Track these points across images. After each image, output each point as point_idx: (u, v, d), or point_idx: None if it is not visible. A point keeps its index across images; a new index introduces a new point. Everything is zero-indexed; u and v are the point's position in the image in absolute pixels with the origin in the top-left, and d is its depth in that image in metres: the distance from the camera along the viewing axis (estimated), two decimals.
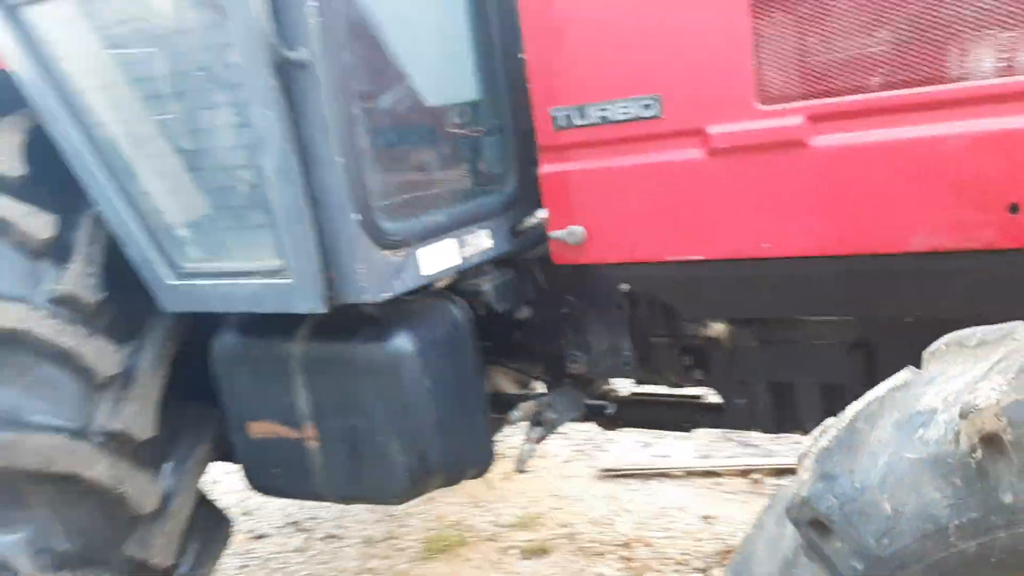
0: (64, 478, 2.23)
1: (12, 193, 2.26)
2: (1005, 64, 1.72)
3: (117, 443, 2.30)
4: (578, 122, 2.14)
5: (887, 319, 2.07)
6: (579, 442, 4.82)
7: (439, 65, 2.33)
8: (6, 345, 2.20)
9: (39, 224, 2.27)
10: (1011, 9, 1.68)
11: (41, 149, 2.30)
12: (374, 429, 2.22)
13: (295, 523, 4.29)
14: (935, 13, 1.74)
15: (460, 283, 2.38)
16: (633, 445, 4.69)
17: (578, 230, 2.21)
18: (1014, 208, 1.73)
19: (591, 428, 4.66)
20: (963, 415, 1.20)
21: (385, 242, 2.03)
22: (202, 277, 2.23)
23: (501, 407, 2.62)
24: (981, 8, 1.71)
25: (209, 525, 2.72)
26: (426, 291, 2.30)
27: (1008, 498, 1.18)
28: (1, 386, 2.20)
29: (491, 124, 2.37)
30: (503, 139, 2.36)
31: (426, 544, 3.90)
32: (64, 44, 2.24)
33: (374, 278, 2.01)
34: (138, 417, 2.34)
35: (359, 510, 4.24)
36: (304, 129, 1.94)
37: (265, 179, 1.99)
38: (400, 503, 2.36)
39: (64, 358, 2.23)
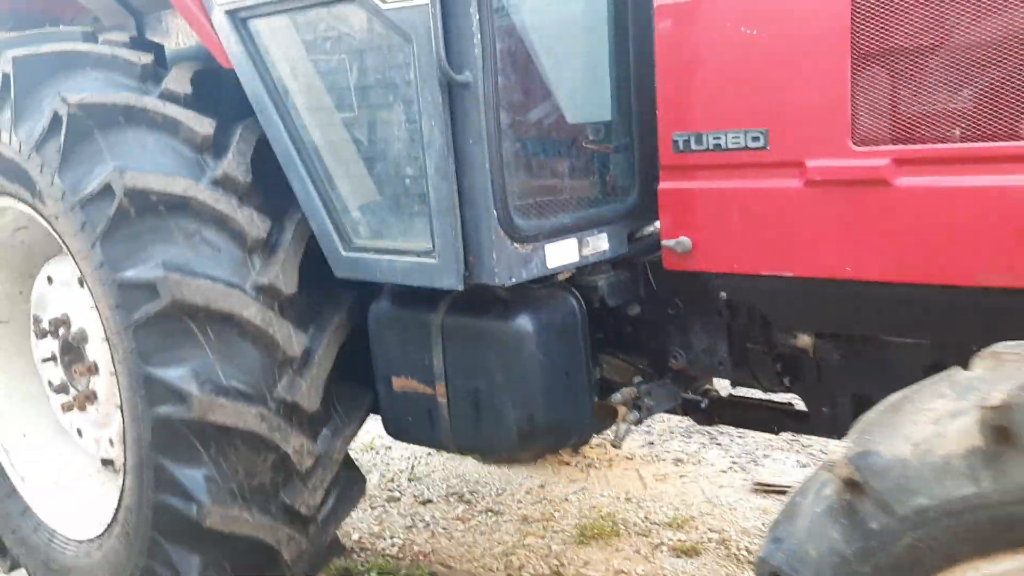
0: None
1: (237, 195, 2.80)
2: None
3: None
4: (695, 147, 2.46)
5: (956, 344, 2.29)
6: (737, 454, 5.00)
7: (580, 87, 2.71)
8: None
9: (256, 225, 2.80)
10: None
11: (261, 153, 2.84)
12: (493, 392, 2.62)
13: (458, 494, 4.65)
14: (1011, 77, 1.97)
15: (579, 278, 2.75)
16: (791, 464, 4.82)
17: (686, 240, 2.53)
18: None
19: (748, 441, 4.88)
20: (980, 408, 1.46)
21: (517, 236, 2.43)
22: (367, 251, 2.70)
23: (607, 392, 2.97)
24: None
25: (349, 482, 3.19)
26: (549, 282, 2.68)
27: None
28: None
29: (621, 142, 2.72)
30: (630, 156, 2.71)
31: (580, 529, 4.18)
32: (277, 52, 2.77)
33: (504, 265, 2.41)
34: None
35: (520, 489, 4.56)
36: (460, 137, 2.36)
37: (426, 176, 2.43)
38: (507, 457, 2.75)
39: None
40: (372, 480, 4.85)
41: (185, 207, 2.74)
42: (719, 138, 2.41)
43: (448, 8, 2.27)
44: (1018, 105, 1.98)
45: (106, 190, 2.72)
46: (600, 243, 2.65)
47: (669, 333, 2.85)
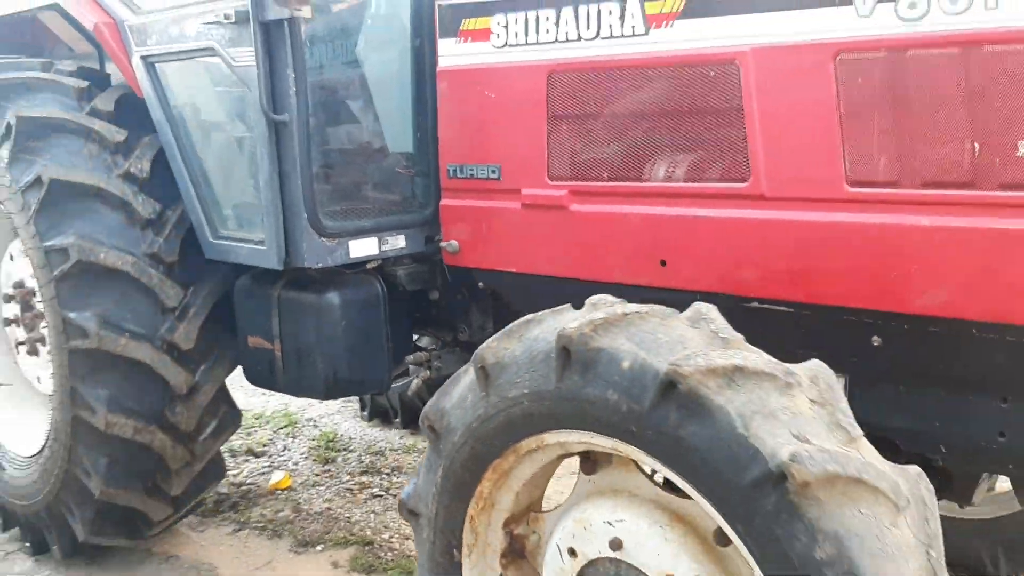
0: None
1: (137, 187, 3.76)
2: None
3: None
4: (460, 175, 3.38)
5: None
6: None
7: (388, 126, 3.65)
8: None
9: (149, 209, 3.76)
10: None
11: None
12: (311, 350, 3.55)
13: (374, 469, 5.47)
14: (637, 139, 2.88)
15: (386, 268, 3.67)
16: None
17: (455, 243, 3.45)
18: (663, 263, 2.85)
19: None
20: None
21: (324, 232, 3.35)
22: (227, 239, 3.65)
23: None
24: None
25: (227, 415, 4.11)
26: (360, 268, 3.61)
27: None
28: None
29: (421, 168, 3.64)
30: (427, 180, 3.63)
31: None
32: (173, 88, 3.72)
33: (313, 253, 3.34)
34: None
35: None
36: (282, 161, 3.29)
37: (260, 188, 3.37)
38: (321, 399, 3.66)
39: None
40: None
41: (97, 194, 3.70)
42: (472, 170, 3.33)
43: (273, 66, 3.20)
44: (640, 157, 2.88)
45: (37, 181, 3.68)
46: (399, 242, 3.57)
47: (458, 313, 3.76)
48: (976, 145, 2.25)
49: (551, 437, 2.32)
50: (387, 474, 5.33)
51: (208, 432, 4.02)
